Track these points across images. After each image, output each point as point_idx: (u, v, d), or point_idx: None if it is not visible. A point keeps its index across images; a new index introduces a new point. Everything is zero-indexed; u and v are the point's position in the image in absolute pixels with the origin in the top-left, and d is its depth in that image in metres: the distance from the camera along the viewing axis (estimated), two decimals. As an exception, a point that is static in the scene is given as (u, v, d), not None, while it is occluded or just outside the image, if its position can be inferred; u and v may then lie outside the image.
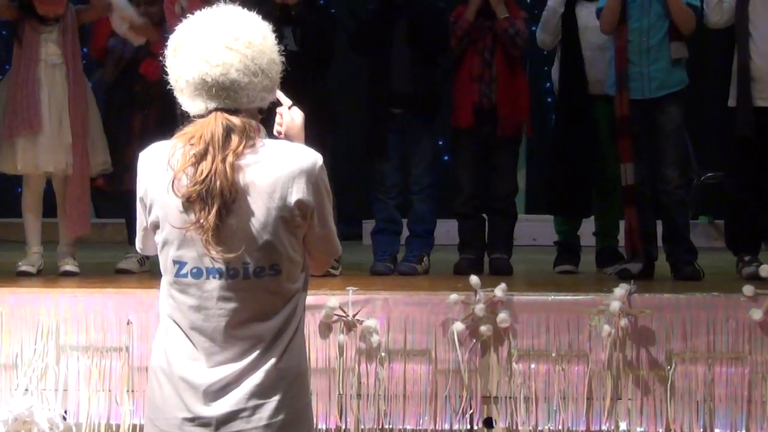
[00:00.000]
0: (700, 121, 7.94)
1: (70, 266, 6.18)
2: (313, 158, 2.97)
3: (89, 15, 6.41)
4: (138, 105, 6.41)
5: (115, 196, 6.62)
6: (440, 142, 7.03)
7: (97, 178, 6.43)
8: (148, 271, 6.18)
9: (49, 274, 6.20)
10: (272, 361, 2.93)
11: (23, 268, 6.13)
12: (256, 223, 2.89)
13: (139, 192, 3.01)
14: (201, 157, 2.87)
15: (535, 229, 8.88)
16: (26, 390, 5.04)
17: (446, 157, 6.69)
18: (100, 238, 8.55)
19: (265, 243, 2.90)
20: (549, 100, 9.14)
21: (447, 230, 6.85)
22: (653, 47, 6.00)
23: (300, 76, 5.82)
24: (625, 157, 6.02)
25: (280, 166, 2.91)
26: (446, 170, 6.77)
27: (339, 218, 6.52)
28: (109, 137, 6.41)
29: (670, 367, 4.89)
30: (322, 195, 3.00)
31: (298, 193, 2.92)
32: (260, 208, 2.89)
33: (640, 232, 5.96)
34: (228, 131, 2.89)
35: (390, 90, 6.36)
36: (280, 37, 6.31)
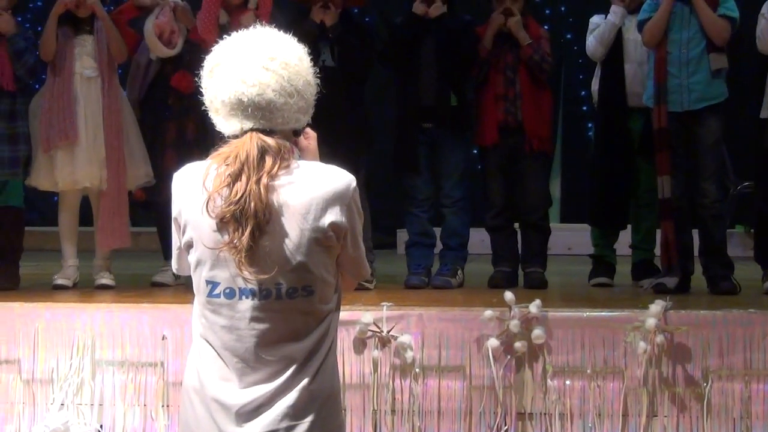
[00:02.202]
0: (738, 130, 7.87)
1: (105, 279, 6.22)
2: (347, 180, 2.97)
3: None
4: (173, 117, 6.42)
5: (152, 206, 6.65)
6: (474, 151, 7.01)
7: (136, 189, 6.46)
8: (183, 284, 6.20)
9: (85, 286, 6.24)
10: (305, 381, 2.93)
11: (59, 281, 6.18)
12: (289, 244, 2.89)
13: (174, 212, 3.02)
14: (236, 177, 2.87)
15: (570, 239, 8.86)
16: (62, 405, 5.06)
17: (480, 166, 6.67)
18: (135, 247, 8.55)
19: (299, 264, 2.90)
20: (584, 108, 9.13)
21: (482, 239, 6.82)
22: (693, 59, 5.96)
23: (337, 93, 5.85)
24: (662, 169, 5.98)
25: (315, 188, 2.91)
26: (481, 179, 6.74)
27: (374, 228, 6.55)
28: (146, 145, 6.44)
29: (707, 384, 4.86)
30: (355, 217, 3.00)
31: (332, 215, 2.92)
32: (294, 229, 2.89)
33: (677, 245, 5.92)
34: (263, 152, 2.88)
35: (419, 104, 6.36)
36: (318, 54, 6.35)
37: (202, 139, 6.00)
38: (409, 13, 6.41)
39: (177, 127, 6.40)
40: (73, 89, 6.19)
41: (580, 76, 8.77)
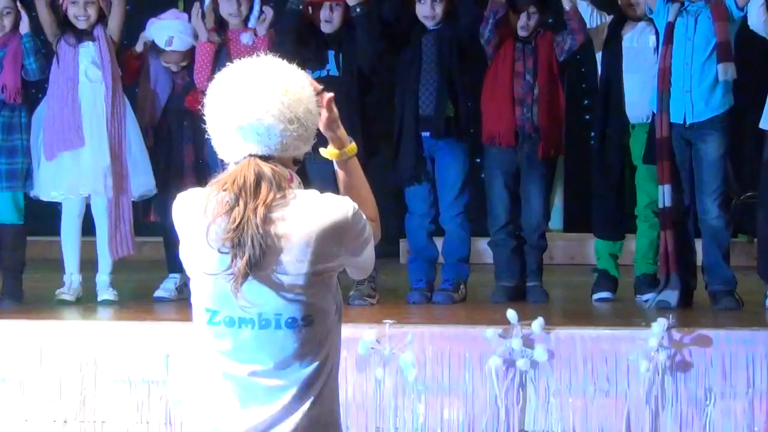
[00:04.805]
0: (742, 140, 7.88)
1: (108, 295, 6.20)
2: (345, 209, 2.94)
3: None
4: (188, 138, 6.40)
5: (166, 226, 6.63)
6: (477, 160, 6.99)
7: (150, 213, 6.46)
8: (185, 299, 6.18)
9: (89, 300, 6.24)
10: (305, 407, 2.92)
11: (62, 296, 6.17)
12: (287, 277, 2.87)
13: (181, 251, 3.03)
14: (234, 203, 2.86)
15: (572, 248, 8.80)
16: (65, 422, 5.08)
17: (483, 175, 6.65)
18: (138, 257, 8.56)
19: (297, 296, 2.88)
20: (587, 117, 9.11)
21: (485, 248, 6.81)
22: (696, 70, 5.94)
23: (343, 103, 5.81)
24: (663, 178, 5.95)
25: (312, 221, 2.89)
26: (482, 190, 6.72)
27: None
28: (161, 170, 6.43)
29: (709, 403, 4.87)
30: (356, 242, 2.98)
31: (330, 247, 2.90)
32: (291, 263, 2.87)
33: (676, 255, 5.90)
34: (258, 178, 2.87)
35: (417, 114, 6.34)
36: (323, 62, 6.27)
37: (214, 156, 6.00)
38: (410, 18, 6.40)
39: (194, 148, 6.37)
40: (76, 95, 6.18)
41: (583, 85, 8.75)
